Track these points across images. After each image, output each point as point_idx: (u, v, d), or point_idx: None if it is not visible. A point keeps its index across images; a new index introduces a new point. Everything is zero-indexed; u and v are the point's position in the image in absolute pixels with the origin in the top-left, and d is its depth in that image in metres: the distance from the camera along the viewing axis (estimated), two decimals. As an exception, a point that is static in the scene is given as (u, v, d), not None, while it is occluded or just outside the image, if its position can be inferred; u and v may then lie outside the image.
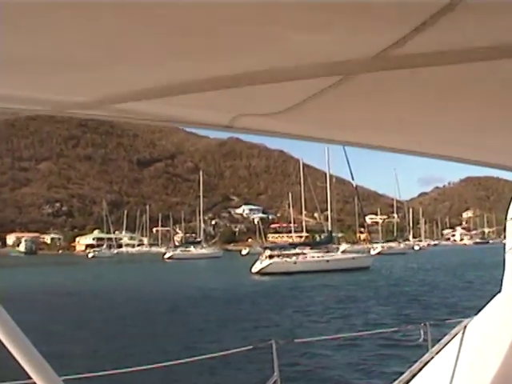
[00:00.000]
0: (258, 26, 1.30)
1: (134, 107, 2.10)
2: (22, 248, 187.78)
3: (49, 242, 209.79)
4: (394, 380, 5.03)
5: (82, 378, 5.83)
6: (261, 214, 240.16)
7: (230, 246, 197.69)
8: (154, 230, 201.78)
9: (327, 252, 69.83)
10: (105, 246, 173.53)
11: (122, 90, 1.82)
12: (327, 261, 66.38)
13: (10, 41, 1.43)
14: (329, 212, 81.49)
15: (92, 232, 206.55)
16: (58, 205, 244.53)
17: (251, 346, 7.57)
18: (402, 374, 5.04)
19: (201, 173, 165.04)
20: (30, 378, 2.87)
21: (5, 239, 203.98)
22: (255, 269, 64.64)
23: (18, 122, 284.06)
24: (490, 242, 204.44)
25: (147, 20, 1.30)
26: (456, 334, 4.73)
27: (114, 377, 6.88)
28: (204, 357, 8.09)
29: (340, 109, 2.25)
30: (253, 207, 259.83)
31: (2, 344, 2.70)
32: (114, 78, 1.80)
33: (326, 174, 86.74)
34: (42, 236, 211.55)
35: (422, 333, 6.96)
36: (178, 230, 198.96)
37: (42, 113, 2.55)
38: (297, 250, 69.24)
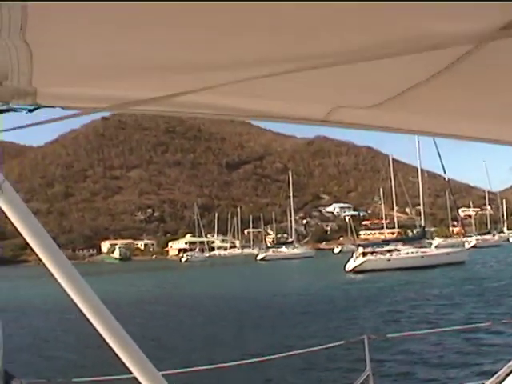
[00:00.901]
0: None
1: (226, 103, 2.11)
2: (116, 255, 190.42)
3: (142, 247, 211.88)
4: (491, 376, 4.75)
5: (181, 374, 5.74)
6: (351, 212, 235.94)
7: (322, 245, 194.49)
8: (246, 231, 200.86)
9: (420, 247, 67.82)
10: (197, 250, 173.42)
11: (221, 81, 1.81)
12: (422, 257, 64.76)
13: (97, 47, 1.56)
14: (421, 206, 78.36)
15: (184, 236, 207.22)
16: (149, 211, 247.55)
17: (343, 342, 7.71)
18: (497, 371, 4.71)
19: (290, 173, 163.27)
20: (130, 373, 3.17)
21: (99, 246, 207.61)
22: (349, 267, 63.46)
23: (107, 132, 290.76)
24: None
25: (237, 15, 1.37)
26: None
27: (211, 373, 7.82)
28: (297, 352, 8.12)
29: (441, 99, 2.17)
30: (343, 205, 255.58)
31: (104, 341, 3.01)
32: (205, 72, 1.83)
33: (415, 169, 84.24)
34: (136, 242, 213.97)
35: None
36: (269, 230, 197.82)
37: (117, 110, 2.53)
38: (390, 247, 67.71)
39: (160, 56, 1.74)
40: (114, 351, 3.04)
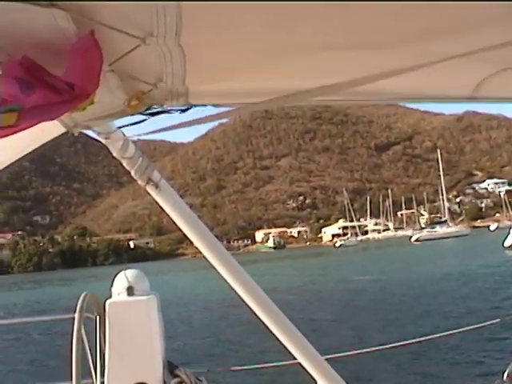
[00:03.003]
0: None
1: (373, 89, 2.11)
2: (270, 243, 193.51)
3: (296, 235, 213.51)
4: None
5: (343, 358, 5.80)
6: (507, 187, 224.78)
7: (477, 223, 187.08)
8: (398, 213, 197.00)
9: None
10: (350, 234, 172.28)
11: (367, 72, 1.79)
12: None
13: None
14: None
15: (337, 221, 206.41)
16: (301, 198, 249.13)
17: (498, 320, 7.39)
18: None
19: (438, 151, 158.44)
20: (294, 358, 3.33)
21: (254, 236, 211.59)
22: (508, 243, 61.13)
23: (254, 123, 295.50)
24: None
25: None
26: None
27: (375, 354, 7.84)
28: (450, 332, 7.78)
29: None
30: (497, 180, 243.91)
31: (267, 328, 3.16)
32: (352, 62, 1.87)
33: None
34: (289, 230, 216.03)
35: None
36: (422, 211, 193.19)
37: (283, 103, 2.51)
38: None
39: (314, 46, 1.75)
40: (277, 338, 3.16)
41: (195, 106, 2.42)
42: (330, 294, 36.75)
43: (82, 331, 3.49)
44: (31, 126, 1.57)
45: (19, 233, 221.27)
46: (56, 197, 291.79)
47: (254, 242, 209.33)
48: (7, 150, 2.59)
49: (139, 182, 2.90)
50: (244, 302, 3.11)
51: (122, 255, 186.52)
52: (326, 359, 3.32)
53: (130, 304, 3.65)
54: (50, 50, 1.52)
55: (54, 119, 1.79)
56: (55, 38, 1.48)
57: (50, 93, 1.48)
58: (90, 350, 3.68)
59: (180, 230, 2.99)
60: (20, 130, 1.54)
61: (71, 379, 3.29)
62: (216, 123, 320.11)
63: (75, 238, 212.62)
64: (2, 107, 1.44)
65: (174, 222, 2.98)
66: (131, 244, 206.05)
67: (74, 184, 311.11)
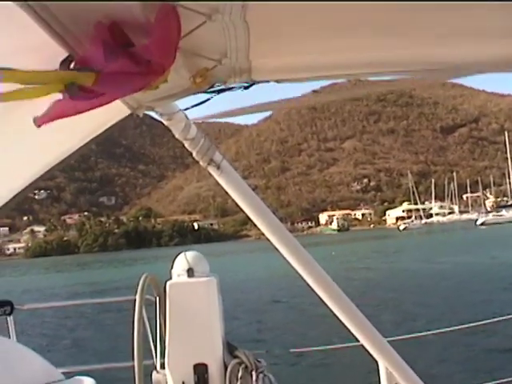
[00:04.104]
0: None
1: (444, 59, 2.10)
2: (334, 226, 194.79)
3: (360, 217, 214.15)
4: None
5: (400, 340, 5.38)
6: None
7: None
8: (464, 196, 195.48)
9: None
10: (414, 217, 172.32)
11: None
12: None
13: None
14: None
15: (401, 204, 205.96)
16: (365, 181, 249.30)
17: None
18: None
19: (506, 133, 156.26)
20: (357, 340, 3.34)
21: (317, 218, 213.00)
22: None
23: (319, 105, 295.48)
24: None
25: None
26: None
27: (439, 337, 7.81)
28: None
29: None
30: None
31: (330, 310, 3.17)
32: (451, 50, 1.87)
33: None
34: (353, 212, 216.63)
35: None
36: (488, 194, 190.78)
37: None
38: None
39: (376, 22, 1.74)
40: (339, 320, 3.25)
41: (258, 82, 2.39)
42: (395, 278, 36.72)
43: (143, 312, 3.59)
44: (110, 100, 1.59)
45: (85, 214, 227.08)
46: (121, 178, 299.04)
47: (317, 224, 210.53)
48: (74, 134, 2.67)
49: (201, 163, 2.95)
50: (307, 283, 3.18)
51: (187, 236, 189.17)
52: (388, 341, 3.43)
53: (189, 285, 3.80)
54: (127, 24, 1.53)
55: (128, 94, 1.81)
56: (124, 13, 1.50)
57: (130, 63, 1.50)
58: (150, 331, 3.90)
59: (242, 210, 3.07)
60: (100, 105, 1.57)
61: (133, 359, 3.40)
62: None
63: (140, 219, 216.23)
64: (81, 67, 1.47)
65: (236, 203, 3.05)
66: (195, 225, 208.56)
67: (140, 165, 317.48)
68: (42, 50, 1.60)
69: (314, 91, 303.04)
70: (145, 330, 3.69)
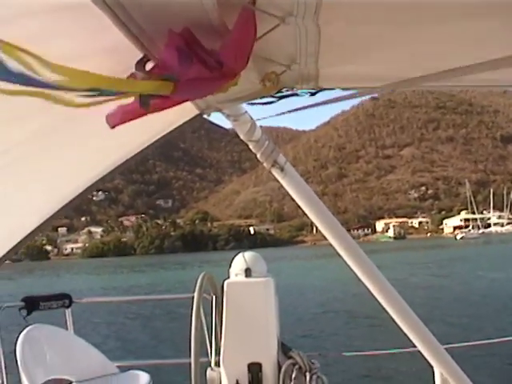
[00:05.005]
0: None
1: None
2: (390, 233, 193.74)
3: (417, 225, 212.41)
4: None
5: (462, 348, 5.48)
6: None
7: None
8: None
9: None
10: (471, 227, 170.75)
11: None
12: None
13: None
14: None
15: (459, 213, 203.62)
16: (423, 189, 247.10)
17: None
18: None
19: None
20: (413, 346, 3.38)
21: (374, 226, 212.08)
22: None
23: (377, 112, 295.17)
24: None
25: None
26: None
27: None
28: None
29: None
30: None
31: (389, 315, 3.19)
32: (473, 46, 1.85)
33: None
34: (410, 220, 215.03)
35: None
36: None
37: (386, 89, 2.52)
38: None
39: (436, 32, 1.71)
40: (398, 325, 3.26)
41: (324, 89, 2.39)
42: (454, 289, 35.61)
43: (201, 310, 3.62)
44: (182, 102, 1.61)
45: (142, 216, 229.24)
46: (179, 181, 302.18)
47: (374, 231, 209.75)
48: (143, 132, 2.75)
49: (265, 164, 2.95)
50: (367, 288, 3.18)
51: (242, 240, 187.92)
52: (445, 348, 3.41)
53: (247, 285, 3.82)
54: (199, 28, 1.53)
55: (202, 97, 1.90)
56: (200, 16, 1.50)
57: (204, 68, 1.51)
58: (206, 329, 3.90)
59: (304, 213, 3.04)
60: (171, 105, 1.58)
61: (190, 356, 3.42)
62: (338, 111, 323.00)
63: (197, 222, 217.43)
64: (158, 75, 1.47)
65: (299, 206, 3.03)
66: (251, 230, 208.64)
67: (197, 169, 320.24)
68: (116, 51, 1.62)
69: (374, 98, 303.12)
70: (201, 327, 3.76)
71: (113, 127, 1.72)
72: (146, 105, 1.49)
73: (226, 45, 1.56)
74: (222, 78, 1.58)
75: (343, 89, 2.40)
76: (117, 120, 1.69)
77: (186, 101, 1.67)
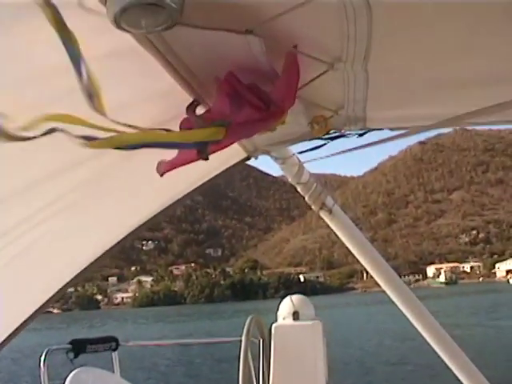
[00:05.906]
0: None
1: None
2: (442, 278, 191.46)
3: (468, 270, 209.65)
4: None
5: None
6: None
7: None
8: None
9: None
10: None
11: None
12: None
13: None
14: None
15: (511, 257, 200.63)
16: (474, 232, 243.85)
17: None
18: None
19: None
20: (458, 380, 3.30)
21: (425, 271, 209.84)
22: None
23: (425, 156, 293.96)
24: None
25: None
26: None
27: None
28: None
29: None
30: None
31: (445, 364, 3.17)
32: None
33: None
34: (461, 265, 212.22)
35: None
36: None
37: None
38: None
39: (489, 68, 1.69)
40: (454, 374, 3.25)
41: (372, 129, 2.39)
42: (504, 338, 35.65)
43: (249, 353, 3.53)
44: (231, 144, 1.63)
45: (192, 265, 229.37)
46: (228, 230, 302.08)
47: (425, 277, 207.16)
48: (188, 177, 2.78)
49: (313, 207, 2.95)
50: (421, 335, 3.08)
51: (292, 288, 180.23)
52: None
53: (295, 328, 3.78)
54: (247, 70, 1.56)
55: (250, 136, 1.92)
56: (248, 60, 1.52)
57: (254, 111, 1.53)
58: (254, 373, 3.75)
59: (354, 256, 3.02)
60: (221, 148, 1.59)
61: None
62: (386, 156, 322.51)
63: (246, 270, 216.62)
64: (211, 122, 1.49)
65: (348, 250, 3.01)
66: (301, 277, 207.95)
67: (246, 218, 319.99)
68: (167, 96, 1.66)
69: (421, 142, 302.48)
70: (249, 371, 3.66)
71: (162, 175, 1.72)
72: (205, 153, 1.48)
73: (275, 86, 1.57)
74: (271, 117, 1.59)
75: (391, 129, 2.38)
76: (167, 167, 1.70)
77: (236, 141, 1.67)
